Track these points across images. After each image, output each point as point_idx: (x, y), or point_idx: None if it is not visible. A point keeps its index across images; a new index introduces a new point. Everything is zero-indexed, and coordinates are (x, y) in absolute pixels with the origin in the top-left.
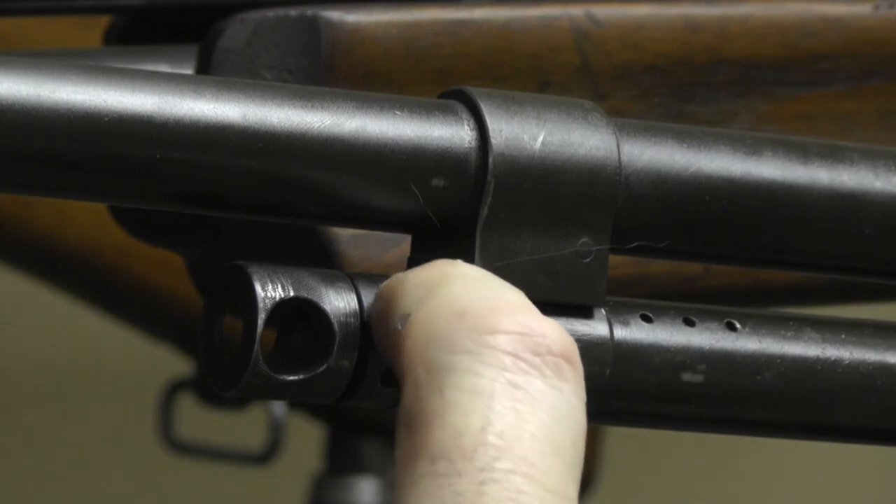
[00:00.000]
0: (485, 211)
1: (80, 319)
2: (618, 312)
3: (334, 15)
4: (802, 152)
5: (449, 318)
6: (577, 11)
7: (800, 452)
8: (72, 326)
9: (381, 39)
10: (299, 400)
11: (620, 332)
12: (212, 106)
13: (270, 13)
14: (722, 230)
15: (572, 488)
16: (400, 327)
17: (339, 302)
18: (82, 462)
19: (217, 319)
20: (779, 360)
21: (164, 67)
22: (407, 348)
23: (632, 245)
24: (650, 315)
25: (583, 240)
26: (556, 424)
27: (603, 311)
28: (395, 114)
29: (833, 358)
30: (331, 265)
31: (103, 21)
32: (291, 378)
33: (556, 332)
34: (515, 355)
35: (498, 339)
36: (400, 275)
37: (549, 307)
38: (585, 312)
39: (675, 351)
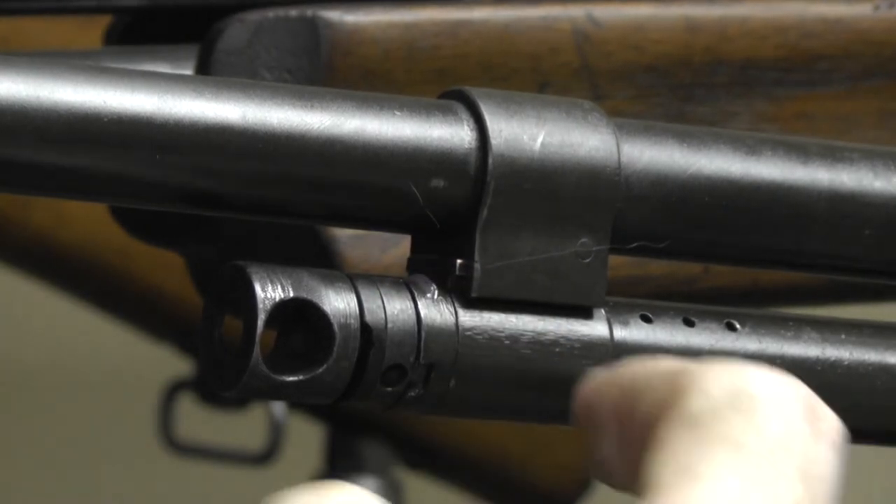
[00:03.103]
0: (484, 211)
1: (80, 319)
2: (618, 313)
3: (334, 15)
4: (802, 152)
5: (735, 364)
6: (577, 12)
7: None
8: (72, 326)
9: (381, 40)
10: (299, 400)
11: (620, 333)
12: (212, 106)
13: (270, 13)
14: (722, 230)
15: None
16: (671, 375)
17: (338, 302)
18: (82, 462)
19: (217, 319)
20: (779, 361)
21: (164, 67)
22: (691, 378)
23: (632, 245)
24: (650, 315)
25: (583, 240)
26: (831, 483)
27: (603, 311)
28: (395, 114)
29: (833, 358)
30: (330, 265)
31: (103, 21)
32: (291, 378)
33: (833, 413)
34: (808, 412)
35: (792, 391)
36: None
37: (548, 307)
38: (585, 313)
39: (675, 351)
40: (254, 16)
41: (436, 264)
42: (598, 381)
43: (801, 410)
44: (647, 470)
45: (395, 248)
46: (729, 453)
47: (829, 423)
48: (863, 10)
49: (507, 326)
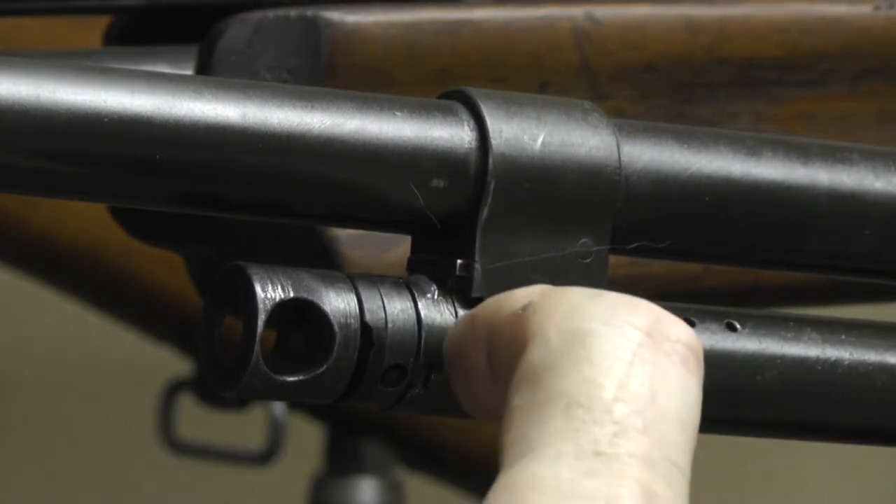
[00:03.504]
0: (485, 211)
1: (80, 319)
2: None
3: (334, 15)
4: (802, 152)
5: (583, 297)
6: (577, 11)
7: (800, 453)
8: (72, 326)
9: (381, 39)
10: (299, 400)
11: None
12: (212, 106)
13: (270, 13)
14: (722, 230)
15: (688, 468)
16: (521, 311)
17: (338, 302)
18: (82, 462)
19: (217, 320)
20: (779, 361)
21: (164, 68)
22: (535, 322)
23: (632, 245)
24: None
25: (583, 240)
26: (683, 406)
27: None
28: (395, 114)
29: (833, 358)
30: (331, 265)
31: (103, 21)
32: (291, 378)
33: (686, 328)
34: (650, 335)
35: (635, 318)
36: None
37: None
38: None
39: None
40: (254, 16)
41: (436, 264)
42: (466, 323)
43: (639, 338)
44: (500, 442)
45: (396, 248)
46: (560, 416)
47: (676, 342)
48: (863, 10)
49: None
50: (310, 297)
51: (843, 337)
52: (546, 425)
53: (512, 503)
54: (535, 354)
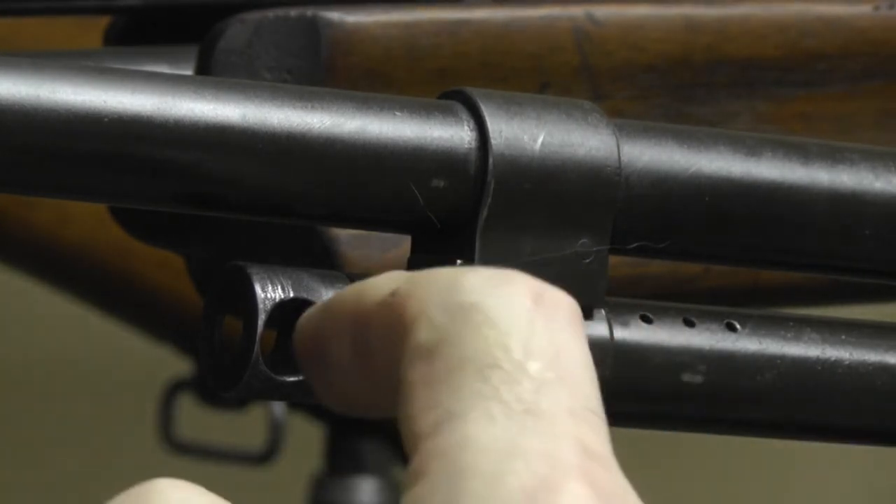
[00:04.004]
0: (485, 212)
1: (80, 319)
2: (618, 313)
3: (334, 15)
4: (802, 152)
5: (455, 274)
6: (577, 11)
7: (800, 453)
8: (71, 326)
9: (381, 40)
10: (299, 400)
11: (620, 333)
12: (212, 106)
13: (270, 13)
14: (722, 230)
15: (604, 417)
16: (391, 298)
17: None
18: (82, 462)
19: (217, 320)
20: (779, 361)
21: (164, 68)
22: (412, 306)
23: (632, 245)
24: (650, 315)
25: (583, 240)
26: (584, 358)
27: (603, 311)
28: (395, 114)
29: (833, 358)
30: (331, 266)
31: (103, 21)
32: (291, 379)
33: (563, 292)
34: (536, 300)
35: (515, 287)
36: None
37: None
38: (585, 313)
39: (675, 351)
40: (254, 16)
41: (436, 264)
42: (319, 316)
43: (528, 303)
44: (406, 425)
45: (396, 248)
46: (474, 379)
47: (556, 304)
48: (863, 10)
49: None
50: (310, 297)
51: (843, 337)
52: (461, 391)
53: (451, 467)
54: (423, 334)
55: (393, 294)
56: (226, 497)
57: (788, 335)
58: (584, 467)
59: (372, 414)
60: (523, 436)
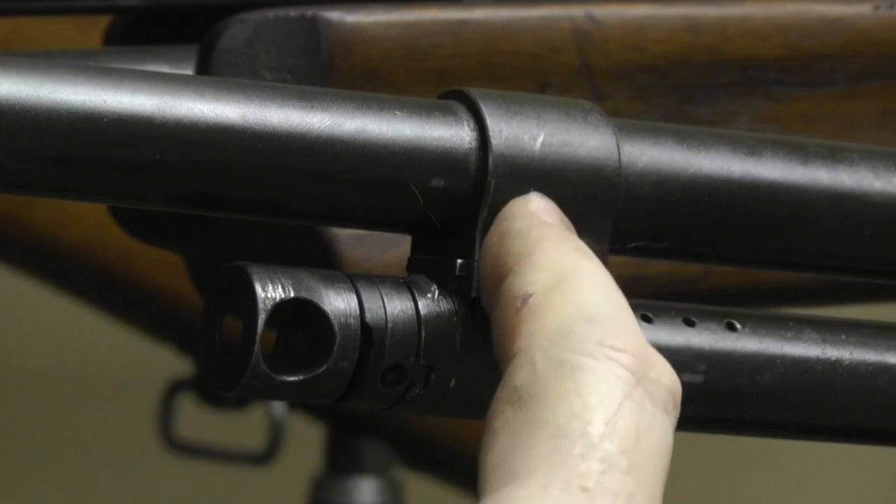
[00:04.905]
0: (485, 211)
1: (80, 320)
2: None
3: (334, 15)
4: (802, 152)
5: (576, 319)
6: (577, 12)
7: (800, 453)
8: (72, 326)
9: (381, 40)
10: (299, 400)
11: None
12: (212, 106)
13: (270, 13)
14: (722, 230)
15: None
16: (519, 305)
17: (339, 302)
18: (82, 462)
19: (217, 319)
20: (779, 361)
21: (164, 67)
22: (526, 332)
23: (632, 245)
24: (650, 315)
25: (583, 240)
26: (664, 449)
27: None
28: (395, 114)
29: (833, 358)
30: (331, 265)
31: (103, 21)
32: (291, 378)
33: (670, 370)
34: (637, 376)
35: (624, 357)
36: (530, 241)
37: None
38: None
39: (675, 351)
40: (254, 16)
41: (436, 264)
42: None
43: (627, 378)
44: (481, 462)
45: (396, 248)
46: (546, 446)
47: (656, 386)
48: (863, 10)
49: None
50: (310, 297)
51: (843, 337)
52: (531, 452)
53: None
54: (520, 378)
55: (523, 301)
56: (226, 497)
57: (788, 335)
58: None
59: None
60: None
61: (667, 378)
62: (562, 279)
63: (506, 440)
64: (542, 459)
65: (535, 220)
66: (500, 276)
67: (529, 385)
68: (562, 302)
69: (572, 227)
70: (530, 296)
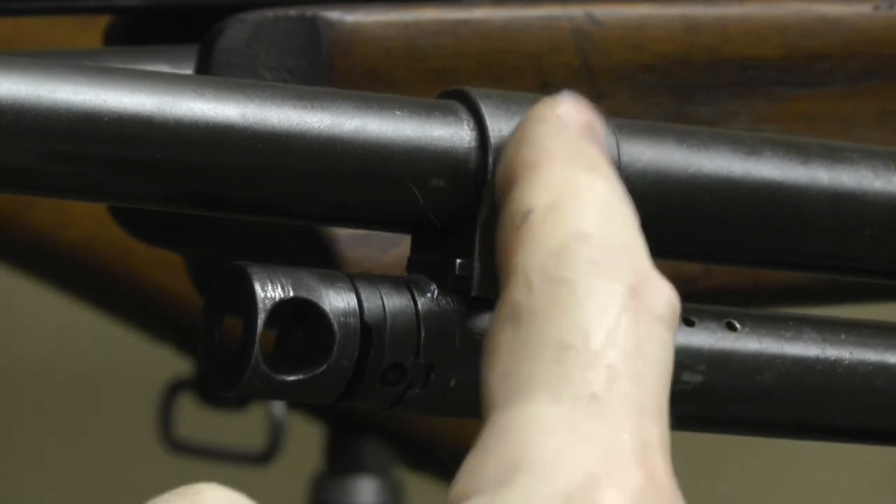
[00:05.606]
0: (484, 211)
1: (80, 320)
2: None
3: (334, 15)
4: (802, 152)
5: (572, 238)
6: (577, 11)
7: (800, 452)
8: (72, 326)
9: (381, 39)
10: (299, 400)
11: None
12: (212, 106)
13: (270, 13)
14: (722, 230)
15: (666, 419)
16: (519, 221)
17: (338, 302)
18: (82, 462)
19: (217, 319)
20: (779, 360)
21: (164, 67)
22: (523, 249)
23: None
24: None
25: None
26: (665, 358)
27: None
28: (395, 114)
29: (833, 358)
30: (331, 265)
31: (103, 21)
32: (291, 378)
33: (667, 284)
34: (634, 289)
35: (619, 273)
36: (540, 151)
37: None
38: None
39: (675, 351)
40: (254, 16)
41: (436, 264)
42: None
43: (624, 291)
44: (484, 391)
45: (396, 248)
46: (551, 358)
47: (653, 298)
48: (863, 10)
49: None
50: (310, 297)
51: (843, 337)
52: (535, 366)
53: (516, 442)
54: (518, 295)
55: (524, 217)
56: None
57: (788, 335)
58: (644, 459)
59: None
60: (587, 420)
61: (664, 291)
62: (564, 196)
63: (508, 357)
64: (547, 373)
65: (555, 127)
66: (508, 184)
67: (527, 301)
68: (560, 220)
69: (601, 132)
70: (530, 212)
